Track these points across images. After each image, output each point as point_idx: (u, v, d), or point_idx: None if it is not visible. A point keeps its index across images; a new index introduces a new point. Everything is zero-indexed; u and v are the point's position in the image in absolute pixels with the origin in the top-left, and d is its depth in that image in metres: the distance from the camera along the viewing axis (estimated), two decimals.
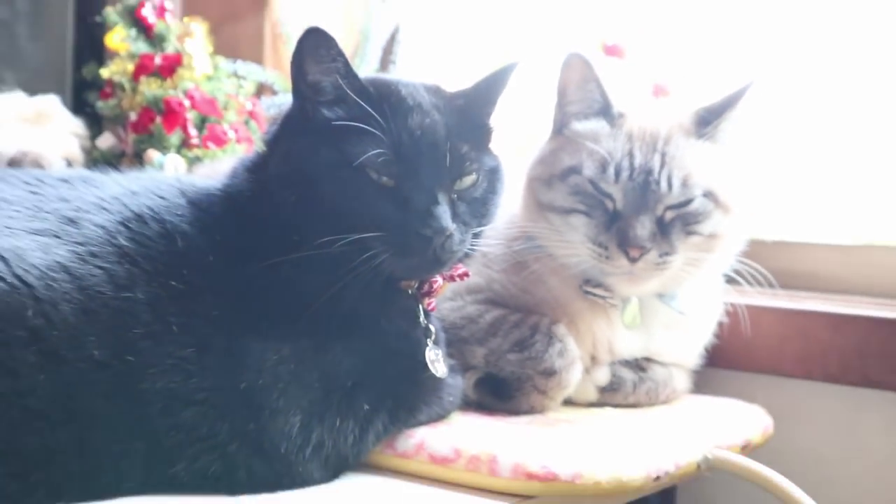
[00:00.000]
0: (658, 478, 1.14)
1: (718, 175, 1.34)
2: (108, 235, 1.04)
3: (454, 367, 1.27)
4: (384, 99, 1.11)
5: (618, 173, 1.32)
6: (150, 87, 1.88)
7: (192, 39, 1.97)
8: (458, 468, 1.12)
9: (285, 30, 2.15)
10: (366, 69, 2.12)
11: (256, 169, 1.14)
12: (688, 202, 1.31)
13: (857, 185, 1.79)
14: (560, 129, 1.40)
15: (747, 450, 1.32)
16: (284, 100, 2.01)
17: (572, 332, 1.37)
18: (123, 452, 0.98)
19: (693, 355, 1.50)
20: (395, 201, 1.08)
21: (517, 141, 1.79)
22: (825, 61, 1.80)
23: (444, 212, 1.08)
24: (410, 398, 1.17)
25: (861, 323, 1.52)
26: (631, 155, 1.32)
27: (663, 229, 1.31)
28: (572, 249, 1.35)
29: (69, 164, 1.85)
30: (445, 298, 1.37)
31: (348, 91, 1.09)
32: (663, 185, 1.31)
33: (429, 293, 1.19)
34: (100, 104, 1.95)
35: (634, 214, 1.30)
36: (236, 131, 1.91)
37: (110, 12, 1.98)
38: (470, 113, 1.17)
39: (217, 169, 1.50)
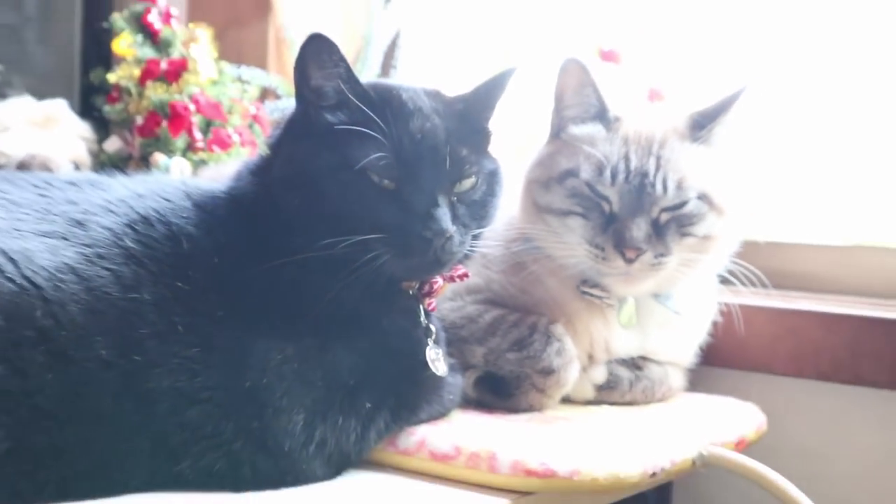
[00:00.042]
0: (654, 474, 1.14)
1: (712, 178, 1.35)
2: (115, 237, 1.04)
3: (454, 365, 1.27)
4: (385, 103, 1.11)
5: (614, 176, 1.32)
6: (156, 92, 1.89)
7: (198, 45, 1.98)
8: (459, 465, 1.12)
9: (289, 35, 2.15)
10: (367, 74, 2.12)
11: (260, 172, 1.15)
12: (682, 204, 1.32)
13: (847, 187, 1.79)
14: (557, 132, 1.41)
15: (741, 446, 1.33)
16: (288, 104, 2.01)
17: (570, 332, 1.37)
18: (130, 450, 0.98)
19: (688, 354, 1.50)
20: (397, 204, 1.08)
21: (517, 141, 1.79)
22: (818, 65, 1.81)
23: (444, 214, 1.09)
24: (412, 396, 1.17)
25: (852, 322, 1.53)
26: (627, 158, 1.33)
27: (658, 231, 1.32)
28: (570, 251, 1.35)
29: (77, 167, 1.86)
30: (445, 299, 1.37)
31: (350, 96, 1.09)
32: (658, 187, 1.31)
33: (429, 293, 1.19)
34: (107, 108, 1.96)
35: (630, 216, 1.31)
36: (240, 135, 1.91)
37: (117, 18, 1.99)
38: (469, 117, 1.18)
39: (222, 172, 1.49)
